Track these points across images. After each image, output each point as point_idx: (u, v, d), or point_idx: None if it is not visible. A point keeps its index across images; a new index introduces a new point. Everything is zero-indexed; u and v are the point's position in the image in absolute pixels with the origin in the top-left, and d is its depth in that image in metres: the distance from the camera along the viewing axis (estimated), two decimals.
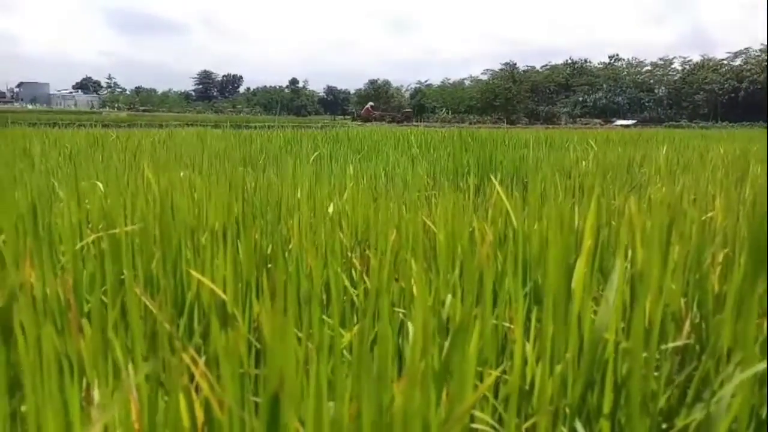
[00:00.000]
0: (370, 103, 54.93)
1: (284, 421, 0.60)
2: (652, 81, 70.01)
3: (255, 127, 7.73)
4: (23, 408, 0.89)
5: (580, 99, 69.76)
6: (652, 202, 1.81)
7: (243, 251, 1.04)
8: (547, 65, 76.67)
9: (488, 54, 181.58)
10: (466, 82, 79.94)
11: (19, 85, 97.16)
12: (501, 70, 71.70)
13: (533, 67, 75.88)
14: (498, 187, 1.19)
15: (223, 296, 0.83)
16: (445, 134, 7.06)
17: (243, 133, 5.90)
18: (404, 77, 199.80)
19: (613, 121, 53.66)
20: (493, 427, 0.82)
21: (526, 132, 9.26)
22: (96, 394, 0.79)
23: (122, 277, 1.02)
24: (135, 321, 0.78)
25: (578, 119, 62.65)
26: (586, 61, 75.97)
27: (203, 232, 1.14)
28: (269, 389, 0.66)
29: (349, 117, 58.92)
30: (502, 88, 67.14)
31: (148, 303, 0.91)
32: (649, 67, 71.51)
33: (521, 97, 66.94)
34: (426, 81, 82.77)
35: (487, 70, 75.72)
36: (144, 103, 78.79)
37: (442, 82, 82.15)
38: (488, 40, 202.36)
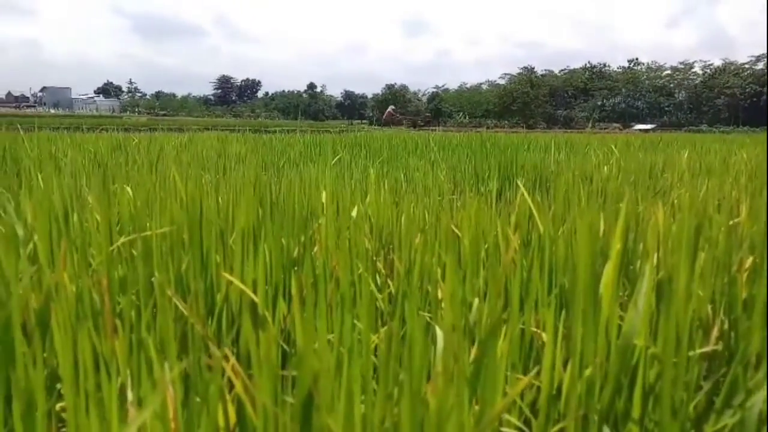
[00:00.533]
0: (391, 107, 55.14)
1: (319, 423, 0.61)
2: (672, 85, 69.29)
3: (275, 132, 7.78)
4: (57, 406, 0.91)
5: (599, 103, 69.25)
6: (677, 207, 1.80)
7: (271, 254, 1.06)
8: (565, 69, 76.20)
9: (506, 58, 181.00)
10: (484, 87, 79.77)
11: (42, 89, 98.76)
12: (519, 74, 71.45)
13: (551, 71, 75.50)
14: (523, 191, 1.19)
15: (255, 298, 0.85)
16: (464, 138, 7.05)
17: (263, 138, 5.94)
18: (421, 81, 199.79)
19: (633, 126, 53.23)
20: (521, 430, 0.83)
21: (546, 136, 9.21)
22: (129, 393, 0.80)
23: (152, 279, 1.03)
24: (168, 321, 0.79)
25: (597, 123, 62.18)
26: (604, 65, 75.40)
27: (231, 235, 1.16)
28: (302, 389, 0.67)
29: (366, 121, 59.00)
30: (520, 93, 66.92)
31: (179, 304, 0.93)
32: (668, 71, 70.79)
33: (539, 102, 66.67)
34: (443, 85, 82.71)
35: (504, 74, 75.54)
36: (164, 108, 79.60)
37: (459, 86, 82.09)
38: (506, 44, 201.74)
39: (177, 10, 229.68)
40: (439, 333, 0.93)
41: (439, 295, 1.16)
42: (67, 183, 1.46)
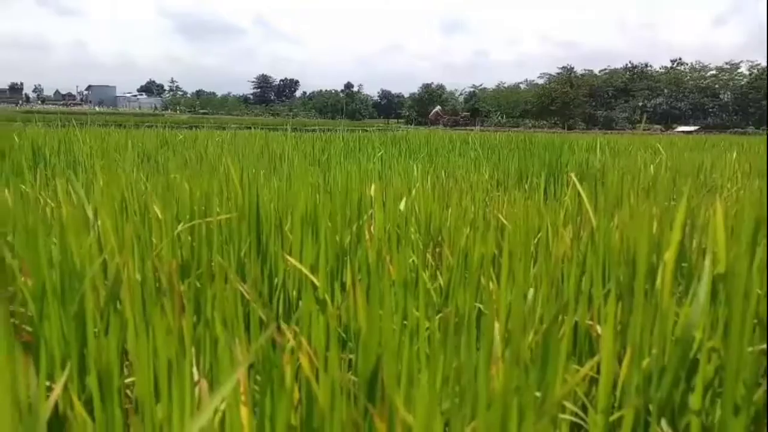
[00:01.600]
0: (438, 107, 55.56)
1: (387, 399, 0.62)
2: (716, 86, 67.47)
3: (314, 130, 7.85)
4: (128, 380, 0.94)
5: (640, 104, 67.87)
6: (729, 205, 1.76)
7: (326, 243, 1.08)
8: (605, 69, 74.91)
9: (545, 58, 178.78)
10: (522, 86, 79.01)
11: (88, 88, 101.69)
12: (558, 74, 70.56)
13: (591, 71, 74.31)
14: (576, 182, 1.19)
15: (316, 282, 0.87)
16: (503, 138, 7.00)
17: (304, 136, 6.02)
18: (458, 81, 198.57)
19: (674, 128, 52.06)
20: (578, 416, 0.83)
21: (586, 137, 9.08)
22: (196, 370, 0.83)
23: (212, 263, 1.06)
24: (234, 301, 0.82)
25: (637, 125, 61.12)
26: (646, 65, 73.87)
27: (287, 224, 1.18)
28: (366, 368, 0.69)
29: (402, 120, 59.12)
30: (559, 92, 66.08)
31: (240, 287, 0.95)
32: (714, 72, 68.96)
33: (578, 102, 65.73)
34: (480, 85, 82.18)
35: (543, 73, 74.61)
36: (204, 106, 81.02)
37: (497, 85, 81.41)
38: (545, 43, 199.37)
39: (218, 11, 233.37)
40: (495, 323, 0.93)
41: (491, 286, 1.17)
42: (125, 173, 1.51)
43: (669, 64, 73.81)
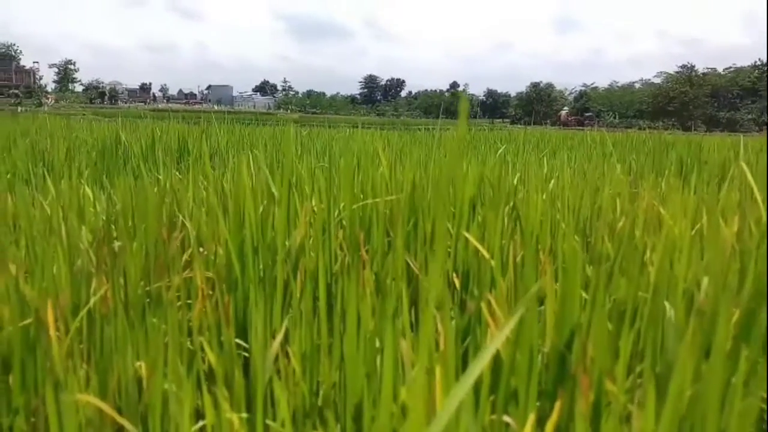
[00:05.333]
0: (565, 109, 54.44)
1: (594, 364, 0.65)
2: None
3: (422, 129, 7.93)
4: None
5: None
6: None
7: (489, 224, 1.11)
8: (730, 68, 69.80)
9: (663, 56, 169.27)
10: (637, 85, 75.31)
11: (208, 87, 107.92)
12: (677, 72, 66.63)
13: (714, 70, 69.53)
14: (748, 174, 1.15)
15: (492, 261, 0.90)
16: (621, 137, 6.75)
17: (415, 135, 6.10)
18: (568, 80, 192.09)
19: None
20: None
21: (713, 138, 8.54)
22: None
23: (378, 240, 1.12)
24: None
25: (765, 126, 56.62)
26: None
27: (450, 207, 1.23)
28: (560, 338, 0.72)
29: (508, 120, 58.04)
30: (678, 92, 62.41)
31: (410, 262, 1.00)
32: None
33: (699, 102, 61.80)
34: (592, 84, 79.11)
35: (660, 72, 70.67)
36: (314, 106, 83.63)
37: (609, 84, 78.13)
38: (663, 40, 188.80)
39: (329, 12, 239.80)
40: (668, 305, 0.93)
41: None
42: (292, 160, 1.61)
43: None
